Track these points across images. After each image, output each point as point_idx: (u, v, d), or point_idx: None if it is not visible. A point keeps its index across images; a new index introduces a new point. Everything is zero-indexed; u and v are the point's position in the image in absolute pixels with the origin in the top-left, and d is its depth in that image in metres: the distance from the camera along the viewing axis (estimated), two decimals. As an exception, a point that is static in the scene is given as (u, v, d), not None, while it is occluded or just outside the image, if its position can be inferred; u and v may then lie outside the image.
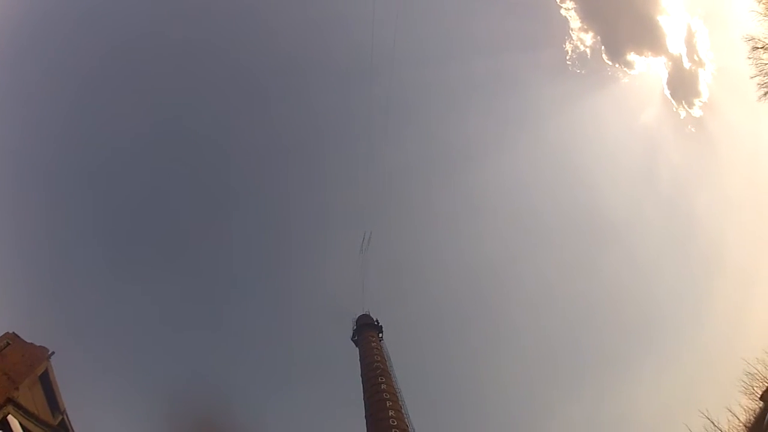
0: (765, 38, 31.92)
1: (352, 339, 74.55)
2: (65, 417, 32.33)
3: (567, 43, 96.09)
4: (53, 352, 33.15)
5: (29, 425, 27.03)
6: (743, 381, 35.98)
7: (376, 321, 75.90)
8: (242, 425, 61.32)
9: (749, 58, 33.06)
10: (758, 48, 32.23)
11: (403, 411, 61.40)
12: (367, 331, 73.93)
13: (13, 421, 25.58)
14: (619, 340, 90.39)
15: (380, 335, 73.83)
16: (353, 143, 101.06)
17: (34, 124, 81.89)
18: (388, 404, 60.61)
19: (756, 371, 35.12)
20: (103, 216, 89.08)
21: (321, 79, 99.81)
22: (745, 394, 35.78)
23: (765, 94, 32.67)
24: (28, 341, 32.63)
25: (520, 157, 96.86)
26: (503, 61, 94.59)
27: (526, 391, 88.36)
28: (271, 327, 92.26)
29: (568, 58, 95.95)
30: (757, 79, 32.84)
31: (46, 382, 31.92)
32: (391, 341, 72.66)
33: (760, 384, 34.72)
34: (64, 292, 76.86)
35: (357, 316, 77.28)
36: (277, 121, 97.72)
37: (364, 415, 61.30)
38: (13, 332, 31.96)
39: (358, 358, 70.23)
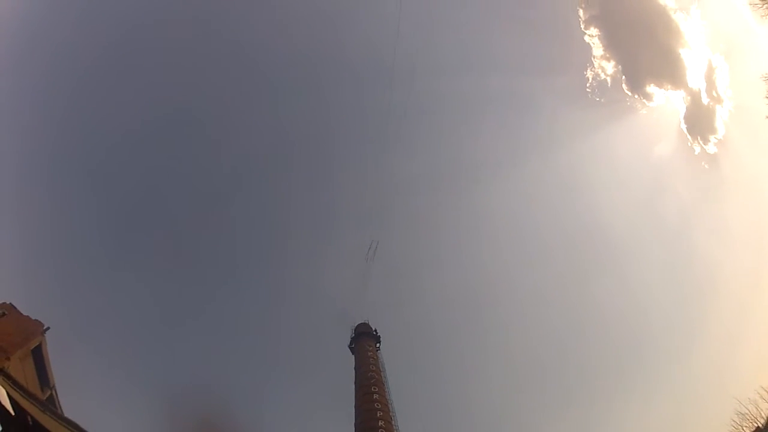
0: (784, 78, 31.92)
1: (349, 346, 74.24)
2: (54, 392, 32.40)
3: (588, 70, 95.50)
4: (48, 328, 33.26)
5: (17, 396, 26.88)
6: (733, 420, 35.49)
7: (375, 331, 75.61)
8: (233, 422, 61.10)
9: (767, 97, 33.05)
10: (777, 87, 32.18)
11: (393, 423, 61.10)
12: (364, 339, 73.67)
13: (1, 391, 25.46)
14: (608, 364, 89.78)
15: (377, 345, 73.53)
16: (364, 146, 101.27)
17: (31, 118, 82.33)
18: (378, 414, 60.34)
19: (747, 411, 34.62)
20: (107, 207, 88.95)
21: (336, 79, 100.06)
22: (735, 433, 35.34)
23: (781, 134, 32.62)
24: (25, 314, 32.71)
25: (529, 177, 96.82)
26: (522, 81, 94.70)
27: (516, 412, 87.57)
28: (268, 327, 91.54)
29: (588, 85, 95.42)
30: (774, 119, 32.74)
31: (38, 356, 32.02)
32: (387, 352, 72.36)
33: (750, 424, 34.26)
34: (63, 278, 76.70)
35: (356, 324, 77.03)
36: (289, 118, 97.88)
37: (354, 423, 61.13)
38: (10, 303, 32.02)
39: (354, 365, 70.01)
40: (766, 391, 33.61)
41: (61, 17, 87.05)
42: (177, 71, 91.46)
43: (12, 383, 27.47)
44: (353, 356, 72.31)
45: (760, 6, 33.23)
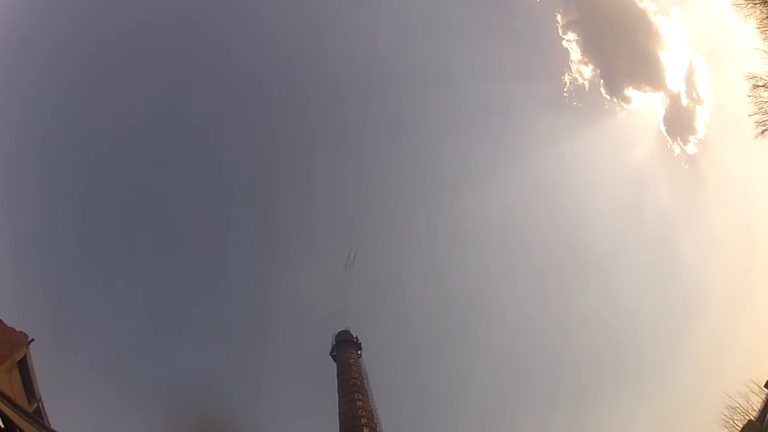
0: (767, 76, 32.75)
1: (330, 354, 74.05)
2: (40, 404, 31.59)
3: (566, 75, 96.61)
4: (33, 339, 32.50)
5: (5, 409, 26.12)
6: (723, 414, 35.97)
7: (356, 338, 75.65)
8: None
9: (749, 96, 33.78)
10: (759, 86, 32.98)
11: (378, 429, 61.07)
12: (346, 347, 73.72)
13: (-11, 404, 24.78)
14: (594, 369, 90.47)
15: (359, 352, 73.51)
16: (344, 157, 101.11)
17: (25, 119, 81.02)
18: (363, 421, 60.46)
19: (737, 405, 35.16)
20: (93, 213, 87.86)
21: (316, 89, 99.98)
22: (726, 427, 35.76)
23: (763, 132, 33.33)
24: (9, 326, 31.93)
25: (509, 185, 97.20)
26: (500, 88, 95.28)
27: (500, 418, 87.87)
28: (247, 334, 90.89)
29: (565, 90, 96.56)
30: (756, 117, 33.51)
31: (24, 368, 31.21)
32: (369, 359, 72.34)
33: (741, 418, 34.71)
34: (50, 285, 75.56)
35: (337, 332, 76.86)
36: (270, 127, 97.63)
37: (339, 430, 60.92)
38: (-6, 314, 31.27)
39: (336, 373, 69.77)
40: (756, 384, 34.32)
41: (54, 18, 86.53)
42: (154, 84, 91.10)
43: (0, 396, 26.76)
44: (335, 364, 72.24)
45: (743, 6, 34.00)
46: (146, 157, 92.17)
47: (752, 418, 33.36)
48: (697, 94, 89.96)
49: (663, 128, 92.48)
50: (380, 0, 78.99)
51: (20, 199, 77.86)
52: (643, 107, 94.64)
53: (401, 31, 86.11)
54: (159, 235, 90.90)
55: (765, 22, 34.67)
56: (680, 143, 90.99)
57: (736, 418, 34.76)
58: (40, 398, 31.82)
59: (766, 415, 32.87)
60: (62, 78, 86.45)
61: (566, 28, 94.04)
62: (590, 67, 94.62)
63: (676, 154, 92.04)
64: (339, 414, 62.91)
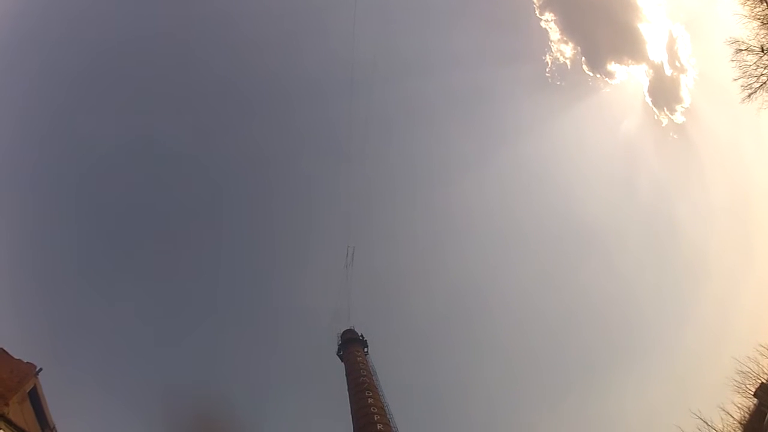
0: (749, 40, 32.84)
1: (337, 354, 73.97)
2: (55, 433, 31.47)
3: (547, 56, 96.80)
4: (41, 369, 32.18)
5: (20, 442, 26.12)
6: (735, 379, 36.15)
7: (361, 336, 75.61)
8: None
9: (732, 60, 33.82)
10: (742, 50, 33.01)
11: (391, 424, 61.16)
12: (352, 345, 73.68)
13: (5, 438, 24.69)
14: (603, 346, 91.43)
15: (366, 350, 73.46)
16: (335, 155, 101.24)
17: (22, 125, 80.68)
18: (376, 418, 60.45)
19: (748, 369, 35.35)
20: (88, 220, 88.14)
21: (300, 90, 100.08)
22: (738, 392, 35.98)
23: (749, 95, 33.38)
24: (16, 357, 31.66)
25: (500, 170, 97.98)
26: (483, 75, 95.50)
27: (512, 400, 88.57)
28: (252, 339, 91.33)
29: (547, 70, 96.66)
30: (741, 81, 33.52)
31: (34, 398, 30.98)
32: (376, 355, 72.37)
33: (753, 381, 34.92)
34: (49, 299, 75.72)
35: (342, 331, 76.81)
36: (259, 131, 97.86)
37: (352, 429, 60.97)
38: (1, 347, 30.94)
39: (344, 373, 69.75)
40: (764, 347, 34.53)
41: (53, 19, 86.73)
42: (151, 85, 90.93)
43: (14, 429, 26.63)
44: (342, 363, 72.23)
45: (721, -29, 34.02)
46: (143, 164, 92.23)
47: (764, 381, 33.55)
48: (680, 63, 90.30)
49: (649, 100, 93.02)
50: (356, -3, 78.04)
51: (17, 204, 77.89)
52: (627, 81, 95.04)
53: (380, 24, 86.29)
54: (161, 239, 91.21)
55: (744, -14, 34.71)
56: (667, 113, 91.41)
57: (748, 383, 34.96)
58: (54, 427, 31.65)
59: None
60: (61, 83, 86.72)
61: (543, 8, 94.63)
62: (570, 45, 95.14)
63: (664, 125, 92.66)
64: (351, 412, 62.98)
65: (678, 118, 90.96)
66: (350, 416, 62.84)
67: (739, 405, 35.86)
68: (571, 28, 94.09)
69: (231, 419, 63.64)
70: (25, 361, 32.04)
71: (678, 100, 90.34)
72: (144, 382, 74.82)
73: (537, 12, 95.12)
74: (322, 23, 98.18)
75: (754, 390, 34.76)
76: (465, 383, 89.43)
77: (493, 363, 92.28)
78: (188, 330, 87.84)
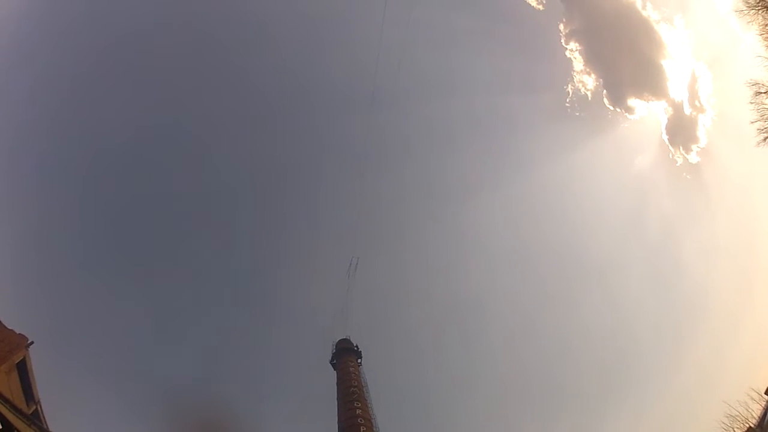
0: (769, 83, 32.83)
1: (330, 362, 73.90)
2: (39, 407, 31.54)
3: (569, 86, 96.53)
4: (32, 342, 32.44)
5: (3, 410, 26.17)
6: (724, 422, 35.74)
7: (356, 346, 75.53)
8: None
9: (751, 102, 33.73)
10: (761, 93, 32.98)
11: (377, 437, 60.97)
12: (346, 355, 73.56)
13: (-13, 405, 24.84)
14: (597, 376, 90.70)
15: (359, 361, 73.34)
16: (350, 166, 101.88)
17: (27, 122, 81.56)
18: (362, 430, 60.10)
19: (737, 413, 34.95)
20: (95, 215, 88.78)
21: (321, 99, 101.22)
22: (726, 436, 35.60)
23: (765, 139, 33.23)
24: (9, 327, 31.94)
25: (513, 196, 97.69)
26: (504, 100, 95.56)
27: (504, 421, 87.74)
28: (249, 341, 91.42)
29: (568, 100, 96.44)
30: (758, 124, 33.44)
31: (23, 370, 31.15)
32: (370, 367, 72.21)
33: (741, 425, 34.49)
34: (50, 288, 76.15)
35: (337, 340, 76.77)
36: (275, 136, 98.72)
37: (338, 438, 60.84)
38: (-4, 316, 31.30)
39: (336, 381, 69.62)
40: (756, 392, 34.12)
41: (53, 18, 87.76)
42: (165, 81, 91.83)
43: (-1, 397, 26.78)
44: (335, 371, 72.14)
45: (745, 13, 33.99)
46: (152, 163, 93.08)
47: (752, 426, 33.20)
48: (699, 102, 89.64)
49: (666, 137, 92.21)
50: (385, 11, 78.65)
51: (21, 200, 78.38)
52: (645, 117, 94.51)
53: (405, 42, 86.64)
54: (163, 240, 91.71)
55: (767, 28, 34.75)
56: (682, 152, 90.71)
57: (736, 426, 34.57)
58: (39, 401, 31.75)
59: (764, 421, 32.75)
60: (64, 80, 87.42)
61: (569, 37, 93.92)
62: (593, 77, 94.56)
63: (678, 164, 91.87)
64: (338, 422, 62.77)
65: (693, 158, 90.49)
66: (336, 425, 62.63)
67: (726, 450, 35.48)
68: (595, 60, 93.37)
69: (227, 417, 63.50)
70: (18, 332, 32.44)
71: (694, 139, 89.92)
72: (138, 374, 74.84)
73: (563, 41, 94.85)
74: (348, 35, 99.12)
75: (741, 434, 34.45)
76: (458, 402, 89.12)
77: (486, 383, 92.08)
78: (186, 328, 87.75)
